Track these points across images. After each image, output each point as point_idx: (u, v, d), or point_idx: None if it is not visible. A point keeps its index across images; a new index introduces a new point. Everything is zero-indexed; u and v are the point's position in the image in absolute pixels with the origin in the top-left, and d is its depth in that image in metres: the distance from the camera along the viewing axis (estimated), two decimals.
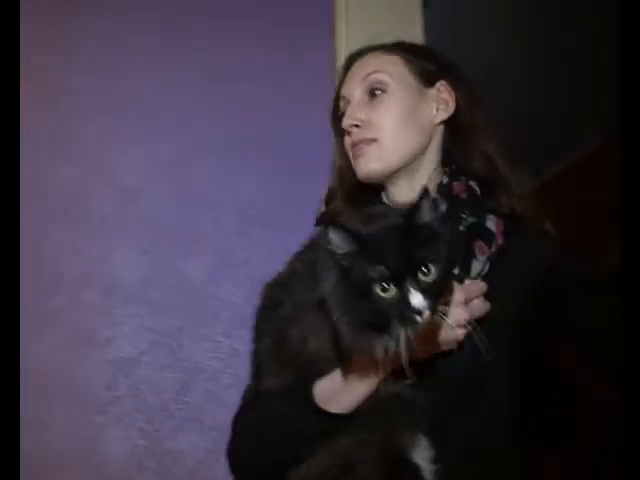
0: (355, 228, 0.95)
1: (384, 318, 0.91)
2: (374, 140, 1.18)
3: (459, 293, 1.03)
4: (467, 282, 1.08)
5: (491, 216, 1.16)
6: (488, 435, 1.09)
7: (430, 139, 1.22)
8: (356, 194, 1.26)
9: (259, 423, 1.08)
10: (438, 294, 0.93)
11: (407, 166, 1.20)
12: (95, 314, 1.62)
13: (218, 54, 1.83)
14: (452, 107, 1.23)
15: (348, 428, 1.00)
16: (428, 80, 1.23)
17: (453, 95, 1.23)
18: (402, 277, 0.90)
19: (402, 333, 0.90)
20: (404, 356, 0.91)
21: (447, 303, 0.97)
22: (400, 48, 1.25)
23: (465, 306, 1.03)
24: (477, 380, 1.09)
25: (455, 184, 1.18)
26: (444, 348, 1.04)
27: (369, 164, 1.19)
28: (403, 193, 1.22)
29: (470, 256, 1.11)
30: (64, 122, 1.70)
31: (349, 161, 1.25)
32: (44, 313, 1.58)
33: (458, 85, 1.24)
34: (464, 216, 1.13)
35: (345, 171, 1.28)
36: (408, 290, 0.90)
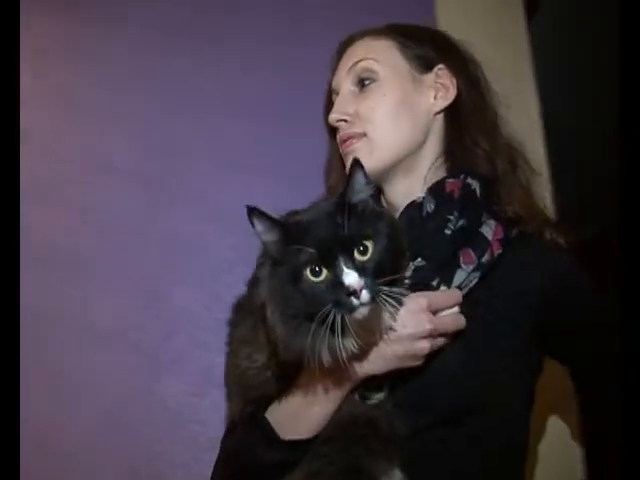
0: (284, 216, 0.89)
1: (318, 305, 0.81)
2: (364, 135, 1.07)
3: (422, 299, 0.90)
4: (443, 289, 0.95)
5: (490, 221, 1.00)
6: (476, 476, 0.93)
7: (427, 131, 1.09)
8: None
9: (225, 455, 1.03)
10: (379, 275, 0.82)
11: (402, 162, 1.07)
12: (213, 353, 1.67)
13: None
14: (452, 94, 1.09)
15: (305, 457, 0.90)
16: (425, 65, 1.10)
17: (454, 81, 1.09)
18: (333, 257, 0.81)
19: (337, 320, 0.80)
20: (341, 348, 0.81)
21: (392, 285, 0.84)
22: (393, 31, 1.13)
23: (429, 315, 0.90)
24: (466, 404, 0.93)
25: (449, 181, 1.02)
26: (405, 364, 0.90)
27: None
28: (400, 192, 1.09)
29: (453, 264, 0.96)
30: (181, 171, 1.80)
31: (341, 158, 1.15)
32: (165, 354, 1.67)
33: (461, 69, 1.10)
34: (452, 218, 0.98)
35: (339, 169, 1.18)
36: (341, 269, 0.80)
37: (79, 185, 1.71)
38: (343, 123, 1.10)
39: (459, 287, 0.95)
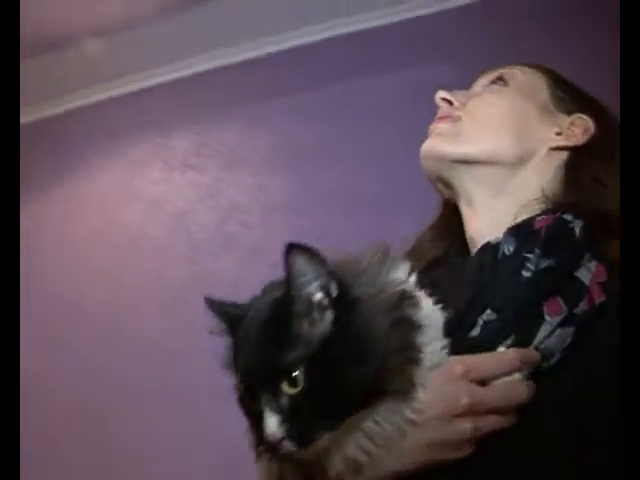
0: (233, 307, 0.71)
1: (259, 433, 0.65)
2: (459, 118, 0.94)
3: (456, 364, 0.66)
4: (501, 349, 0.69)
5: (590, 263, 0.74)
6: None
7: (530, 155, 0.91)
8: (448, 226, 1.00)
9: None
10: (324, 413, 0.62)
11: (489, 171, 0.90)
12: None
13: None
14: (575, 142, 0.91)
15: None
16: (565, 108, 0.95)
17: (589, 135, 0.91)
18: (257, 393, 0.63)
19: (267, 464, 0.66)
20: None
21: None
22: (552, 72, 1.01)
23: (467, 384, 0.66)
24: None
25: (540, 218, 0.80)
26: (441, 456, 0.65)
27: (437, 139, 0.94)
28: (484, 222, 0.90)
29: (535, 317, 0.70)
30: None
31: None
32: None
33: (605, 127, 0.92)
34: (531, 256, 0.74)
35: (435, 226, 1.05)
36: (262, 410, 0.62)
37: None
38: (446, 104, 0.97)
39: (546, 348, 0.70)
